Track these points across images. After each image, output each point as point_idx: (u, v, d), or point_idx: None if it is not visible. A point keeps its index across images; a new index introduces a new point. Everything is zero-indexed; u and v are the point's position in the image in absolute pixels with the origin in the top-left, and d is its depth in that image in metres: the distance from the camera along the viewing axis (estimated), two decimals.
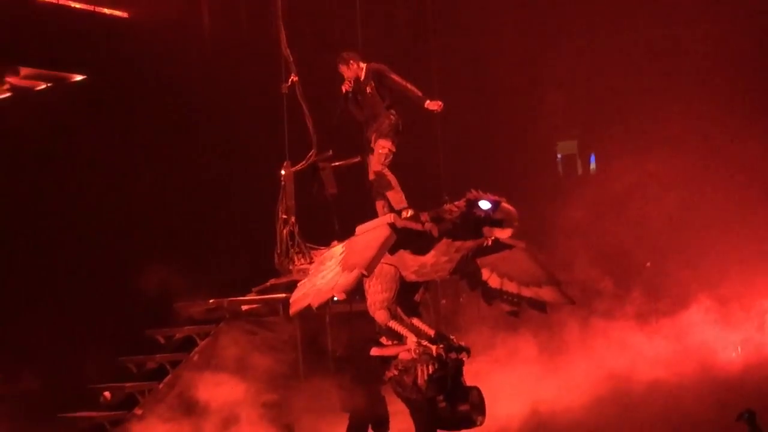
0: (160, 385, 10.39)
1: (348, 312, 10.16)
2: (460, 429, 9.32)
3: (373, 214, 10.00)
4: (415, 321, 9.26)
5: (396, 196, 10.04)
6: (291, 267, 10.07)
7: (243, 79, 15.66)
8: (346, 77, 10.23)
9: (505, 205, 8.76)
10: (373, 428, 9.91)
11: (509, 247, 9.61)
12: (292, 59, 10.27)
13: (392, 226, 8.68)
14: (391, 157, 10.09)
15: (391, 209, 9.97)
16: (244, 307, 10.68)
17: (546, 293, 9.96)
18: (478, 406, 9.26)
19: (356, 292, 8.69)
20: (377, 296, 8.89)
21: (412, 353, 8.97)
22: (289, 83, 10.26)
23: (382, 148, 10.04)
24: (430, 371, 8.95)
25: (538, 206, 15.22)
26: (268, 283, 10.47)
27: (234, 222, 16.04)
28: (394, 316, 9.00)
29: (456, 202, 8.90)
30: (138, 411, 10.21)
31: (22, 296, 14.04)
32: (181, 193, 15.44)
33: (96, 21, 15.68)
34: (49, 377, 13.89)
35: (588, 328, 13.90)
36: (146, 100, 15.68)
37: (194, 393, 10.31)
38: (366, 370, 9.39)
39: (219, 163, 16.13)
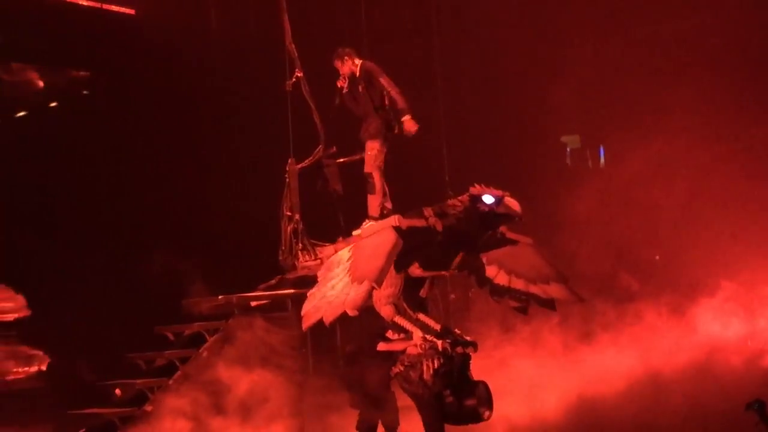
0: (170, 382, 10.41)
1: None
2: (467, 423, 9.33)
3: None
4: (421, 316, 9.27)
5: (374, 202, 10.13)
6: (296, 264, 10.09)
7: (249, 75, 15.67)
8: (341, 73, 10.27)
9: (508, 199, 8.76)
10: (382, 423, 9.93)
11: (516, 243, 9.61)
12: (296, 54, 10.25)
13: (398, 229, 8.70)
14: (382, 157, 10.13)
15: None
16: (253, 303, 10.70)
17: (554, 290, 9.95)
18: (485, 401, 9.26)
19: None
20: (383, 291, 8.89)
21: (418, 348, 8.98)
22: (294, 79, 10.26)
23: (371, 150, 10.11)
24: (436, 366, 8.96)
25: (545, 200, 15.21)
26: (273, 280, 10.48)
27: (243, 219, 16.06)
28: (399, 312, 9.01)
29: (459, 197, 8.90)
30: (148, 407, 10.23)
31: (32, 294, 14.09)
32: (186, 190, 15.46)
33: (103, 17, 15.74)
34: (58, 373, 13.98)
35: (598, 321, 13.86)
36: (151, 97, 15.70)
37: (203, 389, 10.34)
38: (374, 365, 9.40)
39: (226, 159, 16.15)
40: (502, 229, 9.34)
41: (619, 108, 17.75)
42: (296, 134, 10.30)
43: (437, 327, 9.19)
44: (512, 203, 8.78)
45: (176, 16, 15.83)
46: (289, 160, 10.20)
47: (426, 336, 8.96)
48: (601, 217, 15.91)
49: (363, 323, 9.66)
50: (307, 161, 10.33)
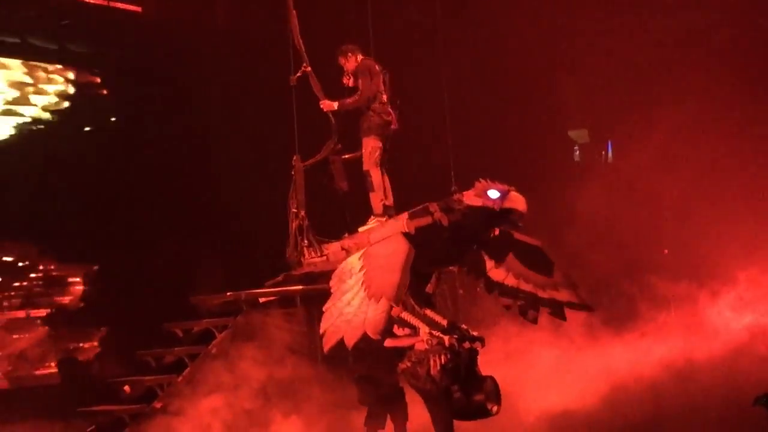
0: (179, 378, 10.44)
1: None
2: (475, 419, 9.33)
3: None
4: (429, 312, 9.27)
5: (376, 199, 10.14)
6: (301, 260, 10.09)
7: (257, 70, 15.66)
8: (345, 69, 10.29)
9: (514, 194, 8.74)
10: (391, 419, 9.94)
11: (524, 244, 9.60)
12: (303, 48, 10.24)
13: (407, 235, 8.69)
14: (378, 153, 10.15)
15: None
16: (261, 300, 10.71)
17: (564, 297, 9.93)
18: (493, 396, 9.25)
19: None
20: None
21: (425, 344, 8.99)
22: (300, 73, 10.25)
23: (367, 147, 10.13)
24: (443, 362, 8.95)
25: (552, 195, 15.19)
26: (279, 277, 10.49)
27: (251, 215, 16.10)
28: (406, 307, 9.01)
29: (465, 192, 8.90)
30: (157, 404, 10.27)
31: None
32: (191, 187, 15.52)
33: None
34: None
35: (607, 317, 13.84)
36: (158, 93, 15.76)
37: (213, 386, 10.37)
38: (383, 361, 9.41)
39: (232, 156, 16.19)
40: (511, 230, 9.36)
41: (627, 102, 17.71)
42: (303, 130, 10.30)
43: (444, 322, 9.19)
44: (517, 198, 8.77)
45: (182, 12, 15.85)
46: (294, 157, 10.20)
47: (433, 332, 8.96)
48: (608, 211, 15.88)
49: None
50: (316, 157, 10.32)
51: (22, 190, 14.69)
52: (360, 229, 10.03)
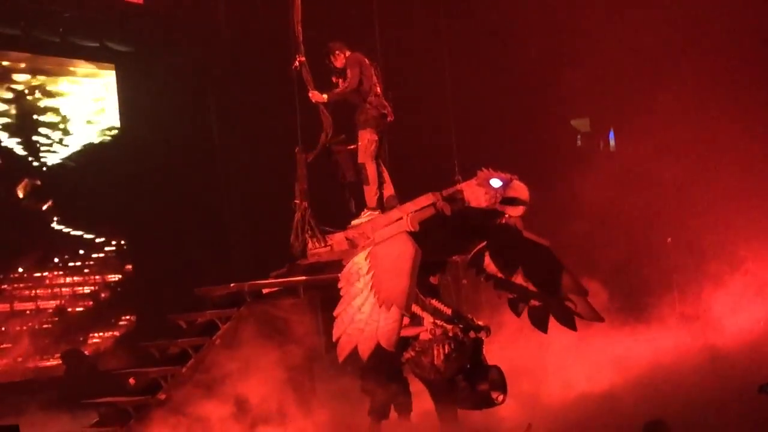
0: (183, 370, 10.41)
1: None
2: (480, 408, 9.34)
3: None
4: (433, 301, 9.27)
5: (370, 193, 10.15)
6: (305, 250, 10.09)
7: (261, 60, 15.66)
8: (334, 68, 10.32)
9: (517, 182, 8.74)
10: (395, 409, 9.95)
11: (532, 242, 9.60)
12: (302, 38, 10.24)
13: (413, 234, 8.68)
14: (374, 146, 10.17)
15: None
16: (265, 291, 10.69)
17: (573, 304, 9.93)
18: (498, 385, 9.27)
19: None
20: None
21: (429, 334, 8.98)
22: (297, 64, 10.25)
23: (363, 140, 10.14)
24: (447, 351, 8.96)
25: (555, 184, 15.17)
26: (284, 269, 10.49)
27: (254, 206, 16.12)
28: None
29: (468, 181, 8.89)
30: (161, 396, 10.24)
31: None
32: (195, 181, 15.53)
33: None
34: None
35: (614, 306, 13.83)
36: (159, 88, 15.76)
37: (217, 377, 10.36)
38: (387, 351, 9.39)
39: (237, 149, 16.21)
40: (519, 227, 9.36)
41: (629, 90, 17.68)
42: (309, 123, 10.31)
43: (449, 312, 9.19)
44: (520, 187, 8.76)
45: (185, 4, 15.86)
46: (297, 148, 10.22)
47: (437, 321, 8.96)
48: (611, 199, 15.86)
49: None
50: (314, 152, 10.34)
51: None
52: (353, 222, 10.05)
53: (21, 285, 15.74)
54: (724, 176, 16.44)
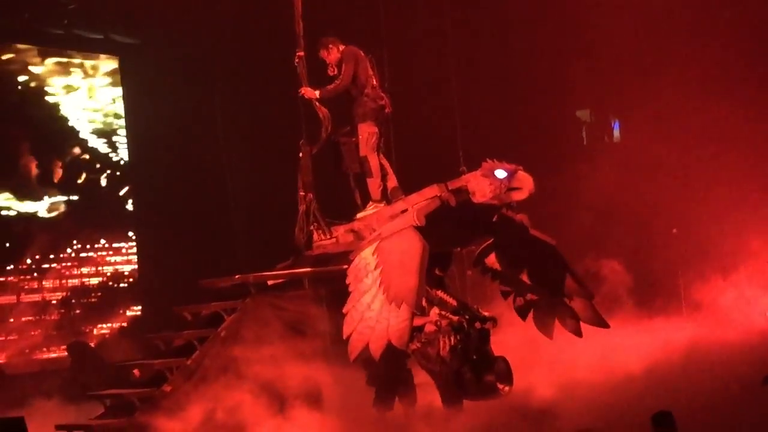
0: (188, 362, 10.41)
1: None
2: (486, 399, 9.33)
3: None
4: (439, 292, 9.26)
5: (373, 185, 10.15)
6: (311, 243, 10.09)
7: (266, 54, 15.62)
8: (328, 62, 10.30)
9: (521, 173, 8.73)
10: (399, 400, 9.94)
11: (538, 240, 9.58)
12: (302, 33, 10.23)
13: (419, 228, 8.66)
14: (375, 138, 10.17)
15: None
16: (270, 282, 10.68)
17: (578, 308, 9.91)
18: (504, 376, 9.26)
19: None
20: None
21: (434, 325, 8.97)
22: (297, 58, 10.26)
23: (363, 133, 10.13)
24: (453, 342, 8.96)
25: (560, 175, 15.13)
26: (289, 260, 10.48)
27: (260, 198, 16.11)
28: None
29: (472, 172, 8.87)
30: (167, 388, 10.24)
31: None
32: (200, 172, 15.51)
33: None
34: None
35: (620, 298, 13.80)
36: (163, 79, 15.74)
37: (222, 368, 10.35)
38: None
39: (242, 141, 16.19)
40: (526, 224, 9.34)
41: (634, 81, 17.60)
42: (310, 114, 10.29)
43: (454, 303, 9.18)
44: (525, 177, 8.75)
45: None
46: (301, 141, 10.22)
47: (442, 312, 8.95)
48: (617, 190, 15.81)
49: None
50: (319, 144, 10.33)
51: None
52: (359, 215, 10.04)
53: (27, 277, 15.76)
54: (731, 166, 16.35)
